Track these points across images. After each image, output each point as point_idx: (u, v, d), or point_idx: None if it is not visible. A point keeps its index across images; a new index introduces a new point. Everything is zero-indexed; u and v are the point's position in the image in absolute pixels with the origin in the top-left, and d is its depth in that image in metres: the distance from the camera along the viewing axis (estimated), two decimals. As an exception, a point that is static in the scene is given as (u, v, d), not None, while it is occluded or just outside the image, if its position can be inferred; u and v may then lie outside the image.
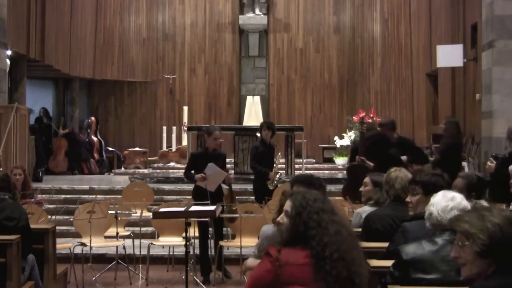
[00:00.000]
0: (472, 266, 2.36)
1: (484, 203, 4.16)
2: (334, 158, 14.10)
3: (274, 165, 8.27)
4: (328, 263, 2.43)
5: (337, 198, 7.86)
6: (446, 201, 3.12)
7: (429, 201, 3.63)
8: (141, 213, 7.02)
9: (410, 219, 3.69)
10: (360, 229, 4.71)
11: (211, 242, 7.24)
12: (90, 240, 6.60)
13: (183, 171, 7.67)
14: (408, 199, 3.87)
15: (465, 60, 11.08)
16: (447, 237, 3.04)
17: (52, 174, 13.25)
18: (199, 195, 6.94)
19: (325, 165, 13.96)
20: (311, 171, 12.95)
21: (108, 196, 8.77)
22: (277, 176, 8.14)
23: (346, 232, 2.53)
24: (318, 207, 2.55)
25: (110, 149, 15.21)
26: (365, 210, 4.94)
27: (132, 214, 7.32)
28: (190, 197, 8.37)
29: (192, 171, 7.19)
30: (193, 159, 7.36)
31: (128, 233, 7.64)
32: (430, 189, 3.69)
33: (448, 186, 3.66)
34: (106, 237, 7.27)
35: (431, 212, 3.14)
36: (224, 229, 8.15)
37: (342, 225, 2.54)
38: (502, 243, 2.30)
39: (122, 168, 14.30)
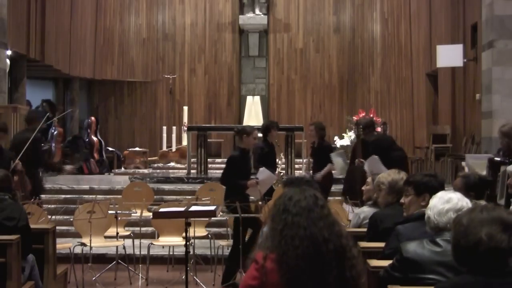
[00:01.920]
0: None
1: (483, 203, 4.16)
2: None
3: (277, 165, 8.26)
4: (283, 267, 2.38)
5: (337, 198, 7.87)
6: (442, 204, 3.13)
7: (421, 202, 3.65)
8: (141, 213, 7.01)
9: (403, 221, 3.68)
10: (358, 229, 4.72)
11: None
12: (90, 240, 6.60)
13: (221, 177, 7.09)
14: (402, 200, 3.88)
15: (465, 60, 11.08)
16: (447, 237, 3.04)
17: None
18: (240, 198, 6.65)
19: (325, 165, 13.94)
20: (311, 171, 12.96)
21: (108, 196, 8.76)
22: (281, 175, 8.15)
23: (313, 238, 2.39)
24: (285, 205, 2.48)
25: (110, 149, 15.21)
26: (364, 210, 4.94)
27: (132, 214, 7.32)
28: (190, 197, 8.38)
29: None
30: (236, 163, 6.96)
31: (128, 233, 7.64)
32: (422, 190, 3.69)
33: (441, 187, 3.65)
34: (106, 237, 7.27)
35: (428, 216, 3.15)
36: (224, 229, 8.17)
37: (304, 229, 2.41)
38: (460, 243, 2.34)
39: (122, 168, 14.30)
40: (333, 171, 8.33)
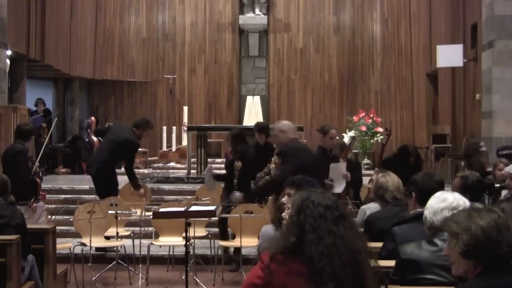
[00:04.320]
0: (459, 265, 2.39)
1: (479, 206, 4.16)
2: (334, 158, 14.08)
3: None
4: (320, 276, 2.31)
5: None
6: (437, 203, 3.14)
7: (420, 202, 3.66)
8: (141, 213, 7.02)
9: (398, 222, 3.69)
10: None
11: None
12: (90, 240, 6.60)
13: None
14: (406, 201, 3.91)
15: (465, 60, 11.08)
16: (445, 237, 3.05)
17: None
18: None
19: (325, 165, 13.94)
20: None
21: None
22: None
23: (345, 247, 2.34)
24: (318, 212, 2.40)
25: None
26: (369, 207, 4.97)
27: (132, 214, 7.32)
28: (190, 197, 8.38)
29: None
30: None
31: (128, 233, 7.64)
32: (422, 189, 3.72)
33: (440, 187, 3.65)
34: (106, 237, 7.27)
35: (425, 215, 3.17)
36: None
37: (341, 238, 2.35)
38: (483, 245, 2.32)
39: (122, 168, 14.27)
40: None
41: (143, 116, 10.10)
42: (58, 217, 7.59)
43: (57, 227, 6.10)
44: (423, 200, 3.53)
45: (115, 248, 7.23)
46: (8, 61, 10.67)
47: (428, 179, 3.74)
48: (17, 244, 4.72)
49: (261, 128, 8.19)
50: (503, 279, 2.30)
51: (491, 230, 2.32)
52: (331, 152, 7.19)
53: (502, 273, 2.30)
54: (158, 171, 13.25)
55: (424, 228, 3.20)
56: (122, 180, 11.53)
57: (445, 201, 3.14)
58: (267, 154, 8.09)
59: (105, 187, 7.98)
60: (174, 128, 14.19)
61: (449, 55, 11.13)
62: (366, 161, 13.73)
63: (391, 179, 4.37)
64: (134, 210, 7.24)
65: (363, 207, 5.15)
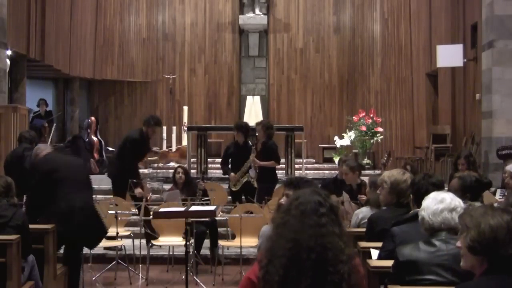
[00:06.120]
0: (466, 259, 2.40)
1: (478, 204, 4.16)
2: (334, 158, 14.09)
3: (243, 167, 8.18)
4: (262, 261, 2.40)
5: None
6: (436, 204, 3.13)
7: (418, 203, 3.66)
8: (141, 213, 7.02)
9: (397, 222, 3.69)
10: (357, 229, 4.77)
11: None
12: (90, 240, 6.59)
13: None
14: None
15: (465, 60, 11.08)
16: (443, 237, 3.05)
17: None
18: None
19: (325, 165, 13.96)
20: (311, 171, 12.97)
21: (108, 196, 8.75)
22: (242, 179, 8.07)
23: (297, 243, 2.34)
24: (289, 205, 2.47)
25: (110, 149, 15.17)
26: (362, 210, 5.02)
27: (132, 214, 7.33)
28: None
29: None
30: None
31: (128, 233, 7.64)
32: (417, 191, 3.73)
33: (437, 188, 3.65)
34: (106, 237, 7.26)
35: (423, 217, 3.15)
36: (224, 229, 8.17)
37: (295, 232, 2.36)
38: (488, 244, 2.32)
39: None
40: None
41: (152, 114, 10.15)
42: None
43: (57, 227, 6.09)
44: (417, 201, 3.55)
45: (118, 247, 7.23)
46: (8, 61, 10.66)
47: (424, 180, 3.75)
48: (17, 244, 4.71)
49: (239, 127, 8.31)
50: (504, 281, 2.29)
51: (500, 230, 2.33)
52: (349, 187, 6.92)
53: (505, 274, 2.30)
54: (158, 171, 13.24)
55: (422, 229, 3.19)
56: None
57: (443, 202, 3.13)
58: (246, 152, 8.22)
59: (114, 186, 8.22)
60: (174, 128, 14.19)
61: (449, 55, 11.13)
62: (366, 161, 13.72)
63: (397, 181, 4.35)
64: (134, 210, 7.24)
65: (356, 211, 5.18)
